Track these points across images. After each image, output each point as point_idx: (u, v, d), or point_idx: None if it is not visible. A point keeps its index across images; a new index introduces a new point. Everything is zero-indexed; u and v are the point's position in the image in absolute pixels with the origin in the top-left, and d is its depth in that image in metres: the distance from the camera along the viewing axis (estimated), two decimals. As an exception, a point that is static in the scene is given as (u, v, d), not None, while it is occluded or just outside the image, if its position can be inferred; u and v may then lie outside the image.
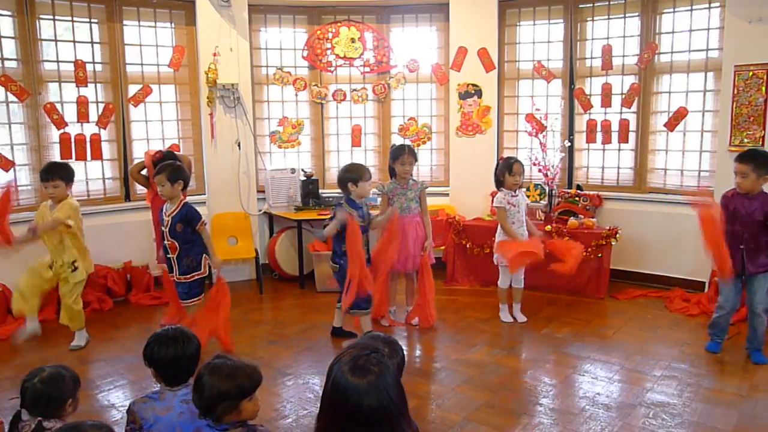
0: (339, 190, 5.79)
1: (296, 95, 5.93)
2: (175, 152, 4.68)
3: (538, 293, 4.98)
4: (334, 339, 4.23)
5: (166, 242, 3.85)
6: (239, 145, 5.61)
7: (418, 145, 6.04)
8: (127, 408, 2.35)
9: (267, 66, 5.87)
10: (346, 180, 4.06)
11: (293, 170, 5.79)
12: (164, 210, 3.87)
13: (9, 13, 4.74)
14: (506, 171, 4.35)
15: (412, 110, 6.08)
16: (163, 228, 3.86)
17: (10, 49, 4.78)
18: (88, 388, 3.45)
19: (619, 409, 3.19)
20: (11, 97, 4.75)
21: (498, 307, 4.56)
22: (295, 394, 3.42)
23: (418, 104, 6.09)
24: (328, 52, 5.88)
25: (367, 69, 5.96)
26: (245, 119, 5.64)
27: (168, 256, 3.86)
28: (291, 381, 3.58)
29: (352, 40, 5.88)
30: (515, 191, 4.36)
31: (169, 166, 3.86)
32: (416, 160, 4.43)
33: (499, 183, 4.42)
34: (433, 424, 3.09)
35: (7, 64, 4.75)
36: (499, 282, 4.51)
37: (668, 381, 3.52)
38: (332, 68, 5.92)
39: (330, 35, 5.86)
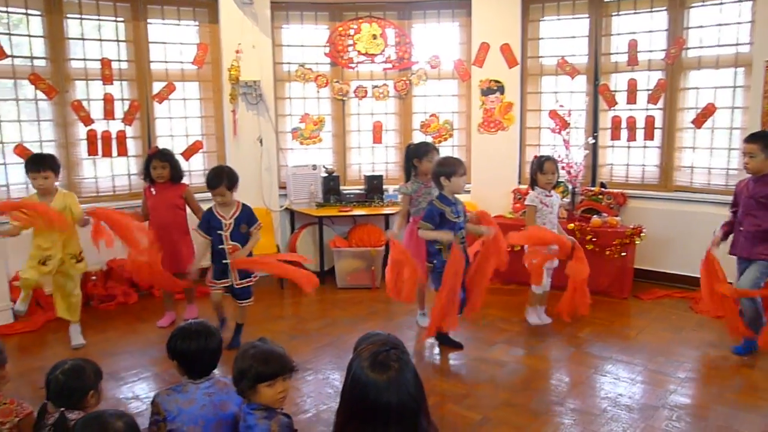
0: (360, 187, 5.88)
1: (318, 92, 5.95)
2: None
3: (559, 292, 4.92)
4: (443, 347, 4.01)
5: (225, 247, 3.87)
6: (261, 142, 5.65)
7: (440, 142, 6.01)
8: (151, 400, 2.40)
9: (289, 63, 5.89)
10: (440, 174, 3.79)
11: (314, 167, 5.82)
12: (216, 213, 3.89)
13: (38, 12, 4.83)
14: (538, 170, 4.17)
15: (434, 107, 6.06)
16: (222, 233, 3.87)
17: (39, 47, 4.87)
18: (112, 379, 3.52)
19: (642, 410, 3.15)
20: (40, 95, 4.84)
21: (525, 309, 4.39)
22: (315, 388, 3.44)
23: (440, 100, 6.06)
24: (350, 48, 5.88)
25: (389, 65, 5.95)
26: (267, 116, 5.67)
27: (224, 261, 3.89)
28: (311, 376, 3.60)
29: (374, 37, 5.87)
30: (549, 191, 4.18)
31: (225, 175, 3.88)
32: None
33: (534, 182, 4.23)
34: (452, 422, 3.08)
35: (36, 62, 4.85)
36: (533, 287, 4.27)
37: (692, 383, 3.47)
38: (354, 65, 5.92)
39: (352, 32, 5.86)
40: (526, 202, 4.27)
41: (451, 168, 3.76)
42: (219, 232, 3.88)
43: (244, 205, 4.00)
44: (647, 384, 3.47)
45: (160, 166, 4.28)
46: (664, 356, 3.81)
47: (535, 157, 4.32)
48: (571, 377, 3.60)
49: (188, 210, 4.48)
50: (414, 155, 4.22)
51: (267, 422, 2.13)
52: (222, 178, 3.87)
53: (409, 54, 5.93)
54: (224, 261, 3.89)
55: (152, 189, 4.35)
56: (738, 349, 3.80)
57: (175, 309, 4.54)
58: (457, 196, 3.82)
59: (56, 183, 4.03)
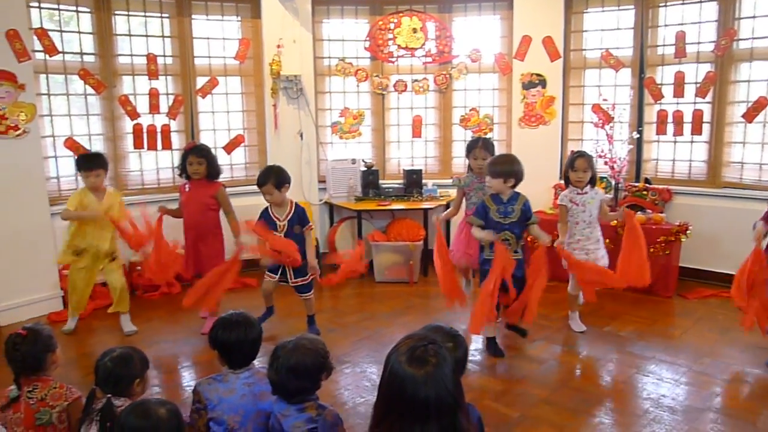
0: (399, 181, 5.88)
1: (358, 86, 5.97)
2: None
3: (601, 289, 4.83)
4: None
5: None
6: (301, 136, 5.70)
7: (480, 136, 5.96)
8: (192, 388, 2.46)
9: (329, 57, 5.92)
10: (487, 172, 3.77)
11: (354, 161, 5.84)
12: (272, 214, 3.95)
13: (88, 9, 4.97)
14: (569, 167, 4.02)
15: (474, 101, 6.01)
16: (277, 233, 3.92)
17: (88, 44, 5.02)
18: (156, 368, 3.62)
19: (686, 413, 3.07)
20: (89, 90, 4.99)
21: (567, 314, 4.29)
22: (353, 381, 3.47)
23: (480, 94, 6.00)
24: (390, 42, 5.87)
25: (429, 59, 5.92)
26: (307, 110, 5.72)
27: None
28: (348, 369, 3.63)
29: (414, 31, 5.85)
30: (581, 188, 3.99)
31: (273, 173, 3.93)
32: (492, 155, 4.14)
33: (567, 180, 4.09)
34: (489, 418, 3.06)
35: (86, 58, 5.00)
36: (569, 288, 4.20)
37: (739, 386, 3.37)
38: (394, 59, 5.92)
39: (392, 26, 5.85)
40: (558, 201, 4.19)
41: (497, 168, 3.69)
42: (274, 233, 3.93)
43: (297, 205, 4.04)
44: (691, 385, 3.38)
45: (196, 161, 4.18)
46: (710, 357, 3.71)
47: (571, 152, 4.19)
48: (611, 376, 3.54)
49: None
50: (466, 151, 4.30)
51: (321, 411, 2.16)
52: (269, 177, 3.91)
53: (449, 48, 5.89)
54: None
55: (187, 186, 4.27)
56: None
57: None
58: (522, 196, 3.72)
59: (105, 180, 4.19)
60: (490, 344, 3.86)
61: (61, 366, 2.60)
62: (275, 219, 3.94)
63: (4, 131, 4.31)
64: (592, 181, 4.02)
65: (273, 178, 3.91)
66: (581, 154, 4.03)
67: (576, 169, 3.97)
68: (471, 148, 4.22)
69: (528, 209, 3.71)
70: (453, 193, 5.74)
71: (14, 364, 2.44)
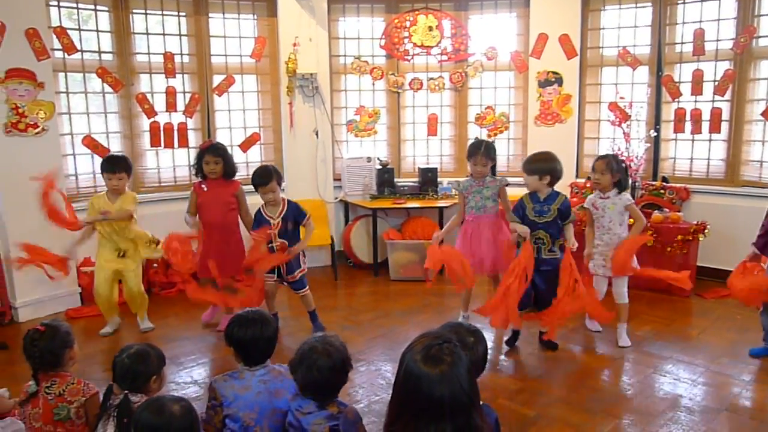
0: (414, 180, 5.88)
1: (373, 84, 5.97)
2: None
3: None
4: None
5: (274, 245, 3.92)
6: (317, 134, 5.72)
7: (495, 135, 5.94)
8: (208, 385, 2.47)
9: (345, 55, 5.93)
10: (523, 169, 3.77)
11: (369, 159, 5.85)
12: (265, 214, 3.95)
13: (106, 8, 5.02)
14: (593, 168, 3.87)
15: (490, 99, 5.98)
16: (270, 231, 3.92)
17: (106, 42, 5.06)
18: (172, 364, 3.65)
19: (703, 413, 3.04)
20: (107, 88, 5.04)
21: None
22: (368, 380, 3.48)
23: (496, 93, 5.98)
24: (406, 40, 5.87)
25: (445, 57, 5.91)
26: (323, 108, 5.73)
27: None
28: (363, 367, 3.64)
29: (430, 29, 5.84)
30: (604, 192, 3.82)
31: (273, 171, 3.94)
32: (493, 160, 4.08)
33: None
34: (505, 417, 3.05)
35: (104, 56, 5.04)
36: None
37: (758, 386, 3.32)
38: (409, 57, 5.91)
39: (408, 23, 5.85)
40: (584, 204, 4.06)
41: (531, 166, 3.68)
42: (268, 231, 3.92)
43: (289, 202, 4.03)
44: (709, 386, 3.34)
45: (212, 161, 4.14)
46: (728, 357, 3.67)
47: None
48: (628, 376, 3.51)
49: None
50: (468, 154, 4.14)
51: (342, 408, 2.18)
52: (271, 175, 3.91)
53: (465, 46, 5.87)
54: None
55: (203, 185, 4.21)
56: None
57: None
58: (561, 195, 3.69)
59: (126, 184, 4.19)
60: (512, 338, 3.88)
61: (78, 362, 2.63)
62: (268, 218, 3.94)
63: (23, 129, 4.37)
64: (620, 185, 3.83)
65: (275, 176, 3.92)
66: (602, 156, 3.89)
67: (595, 170, 3.86)
68: (473, 153, 4.03)
69: (566, 208, 3.69)
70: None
71: (33, 359, 2.47)
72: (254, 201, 4.17)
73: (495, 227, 4.07)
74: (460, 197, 4.18)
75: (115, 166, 4.08)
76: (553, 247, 3.67)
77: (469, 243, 4.05)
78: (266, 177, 3.91)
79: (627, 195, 3.89)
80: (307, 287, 4.14)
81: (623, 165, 3.94)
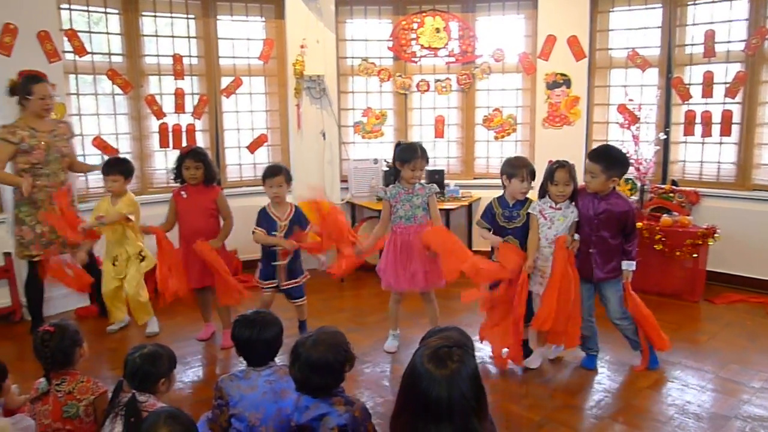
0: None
1: (380, 86, 5.97)
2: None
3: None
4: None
5: (276, 249, 3.80)
6: (324, 136, 5.72)
7: (503, 137, 5.93)
8: (215, 384, 2.49)
9: (352, 57, 5.93)
10: (502, 173, 3.58)
11: (376, 160, 5.85)
12: (272, 213, 3.83)
13: (116, 11, 5.06)
14: (548, 178, 3.45)
15: (497, 101, 5.97)
16: (276, 233, 3.79)
17: (116, 44, 5.10)
18: (178, 363, 3.63)
19: (712, 420, 3.01)
20: (117, 90, 5.07)
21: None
22: (373, 381, 3.48)
23: (504, 94, 5.96)
24: (413, 42, 5.86)
25: (452, 59, 5.90)
26: (330, 110, 5.74)
27: (274, 263, 3.81)
28: (369, 368, 3.64)
29: (437, 30, 5.83)
30: (557, 203, 3.46)
31: (284, 168, 3.89)
32: (427, 164, 3.83)
33: (543, 193, 3.51)
34: (510, 422, 3.04)
35: (114, 58, 5.08)
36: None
37: (768, 393, 3.29)
38: (417, 59, 5.90)
39: (415, 25, 5.84)
40: (529, 210, 3.55)
41: (514, 170, 3.50)
42: (273, 233, 3.79)
43: (296, 206, 3.93)
44: (718, 392, 3.31)
45: (193, 166, 3.92)
46: (738, 364, 3.63)
47: (549, 162, 3.53)
48: (636, 382, 3.48)
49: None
50: (398, 158, 3.74)
51: (349, 408, 2.16)
52: (281, 169, 3.87)
53: (472, 47, 5.86)
54: (273, 263, 3.82)
55: (183, 192, 4.00)
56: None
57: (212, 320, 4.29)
58: (530, 201, 3.56)
59: (127, 186, 4.20)
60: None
61: (86, 360, 2.65)
62: (276, 218, 3.82)
63: (34, 130, 4.40)
64: (572, 196, 3.48)
65: (285, 172, 3.86)
66: (562, 165, 3.43)
67: (556, 182, 3.41)
68: (411, 157, 3.65)
69: (533, 215, 3.52)
70: (475, 193, 5.74)
71: (44, 360, 2.50)
72: (245, 203, 4.10)
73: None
74: (385, 205, 3.80)
75: (109, 168, 4.10)
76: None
77: (399, 257, 3.73)
78: (276, 170, 3.85)
79: (576, 207, 3.48)
80: (305, 298, 4.01)
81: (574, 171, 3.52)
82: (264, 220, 3.83)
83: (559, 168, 3.42)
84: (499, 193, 3.66)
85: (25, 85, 4.05)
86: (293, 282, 3.91)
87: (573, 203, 3.48)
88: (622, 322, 3.55)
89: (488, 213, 3.62)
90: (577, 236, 3.49)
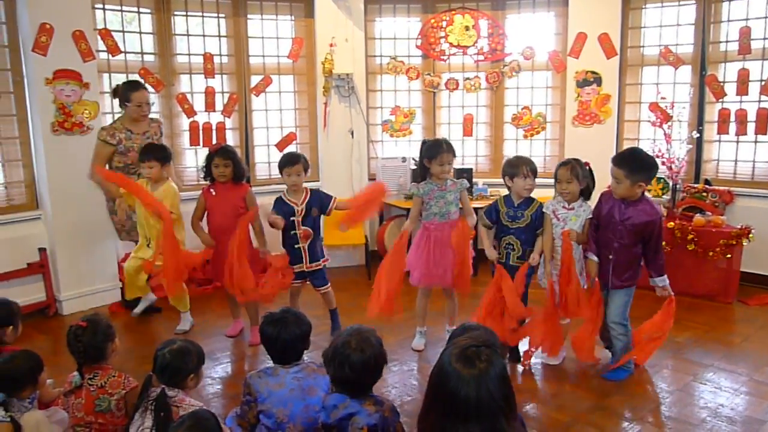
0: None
1: (409, 84, 5.97)
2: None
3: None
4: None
5: (297, 232, 3.88)
6: (352, 134, 5.74)
7: (532, 135, 5.88)
8: (243, 380, 2.52)
9: (381, 56, 5.94)
10: (503, 173, 3.59)
11: (404, 159, 5.84)
12: (288, 200, 3.90)
13: (149, 10, 5.14)
14: (554, 177, 3.51)
15: (527, 99, 5.92)
16: (294, 218, 3.86)
17: (148, 44, 5.19)
18: (207, 359, 3.68)
19: (745, 423, 2.95)
20: (149, 88, 5.15)
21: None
22: (400, 380, 3.48)
23: (533, 93, 5.91)
24: (442, 40, 5.85)
25: (481, 57, 5.87)
26: (359, 108, 5.76)
27: (297, 246, 3.91)
28: (396, 367, 3.64)
29: (467, 28, 5.80)
30: (569, 203, 3.45)
31: (302, 156, 3.97)
32: (455, 157, 3.84)
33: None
34: (539, 422, 3.02)
35: (146, 57, 5.16)
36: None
37: (805, 397, 3.21)
38: (445, 57, 5.89)
39: (444, 23, 5.82)
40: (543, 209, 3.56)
41: (514, 169, 3.49)
42: (292, 218, 3.86)
43: (312, 190, 4.00)
44: (752, 395, 3.24)
45: (222, 164, 3.95)
46: (773, 367, 3.55)
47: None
48: (667, 383, 3.43)
49: None
50: (425, 155, 3.77)
51: (379, 407, 2.17)
52: (299, 157, 3.92)
53: (502, 45, 5.82)
54: (296, 246, 3.91)
55: (212, 189, 4.04)
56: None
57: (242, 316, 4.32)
58: (536, 202, 3.54)
59: (165, 174, 4.14)
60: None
61: (117, 355, 2.71)
62: (292, 204, 3.88)
63: (70, 128, 4.51)
64: (586, 194, 3.50)
65: (303, 161, 3.92)
66: (564, 163, 3.48)
67: (559, 180, 3.45)
68: (437, 152, 3.67)
69: (537, 218, 3.50)
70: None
71: (77, 354, 2.55)
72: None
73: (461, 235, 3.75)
74: (416, 201, 3.79)
75: (144, 154, 4.09)
76: (523, 255, 3.52)
77: (432, 253, 3.73)
78: (295, 158, 3.91)
79: (589, 206, 3.49)
80: (329, 285, 4.09)
81: (587, 169, 3.51)
82: (281, 206, 3.90)
83: (561, 166, 3.48)
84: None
85: (125, 92, 4.40)
86: (315, 265, 3.99)
87: (586, 201, 3.49)
88: (617, 327, 3.43)
89: (493, 210, 3.63)
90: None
